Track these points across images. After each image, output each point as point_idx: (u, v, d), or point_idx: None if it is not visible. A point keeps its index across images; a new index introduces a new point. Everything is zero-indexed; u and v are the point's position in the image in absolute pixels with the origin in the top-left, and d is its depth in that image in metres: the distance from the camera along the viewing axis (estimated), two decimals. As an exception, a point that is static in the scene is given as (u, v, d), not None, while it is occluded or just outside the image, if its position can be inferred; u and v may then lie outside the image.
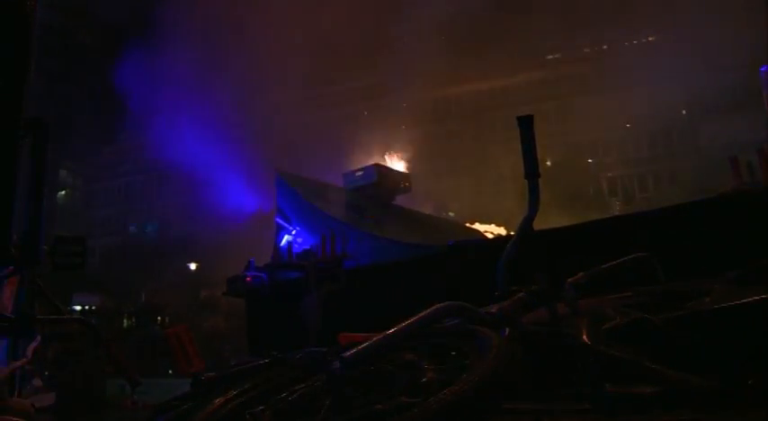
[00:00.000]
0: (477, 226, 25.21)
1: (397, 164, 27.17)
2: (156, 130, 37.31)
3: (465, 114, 39.84)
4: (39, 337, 3.31)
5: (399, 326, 1.91)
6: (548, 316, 2.62)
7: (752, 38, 24.47)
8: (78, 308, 34.37)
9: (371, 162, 22.61)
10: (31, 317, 2.93)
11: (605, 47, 38.82)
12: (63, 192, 48.56)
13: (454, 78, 36.48)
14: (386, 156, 28.93)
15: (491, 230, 24.14)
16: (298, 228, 16.81)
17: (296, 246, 15.63)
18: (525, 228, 2.61)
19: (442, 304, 2.05)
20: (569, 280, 3.04)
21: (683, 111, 36.27)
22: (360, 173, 21.74)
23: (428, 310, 1.99)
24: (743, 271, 3.44)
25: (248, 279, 11.54)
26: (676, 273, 3.80)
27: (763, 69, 8.72)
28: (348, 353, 1.76)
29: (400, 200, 22.99)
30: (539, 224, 2.70)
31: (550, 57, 40.68)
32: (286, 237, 16.56)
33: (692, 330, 3.03)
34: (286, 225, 16.99)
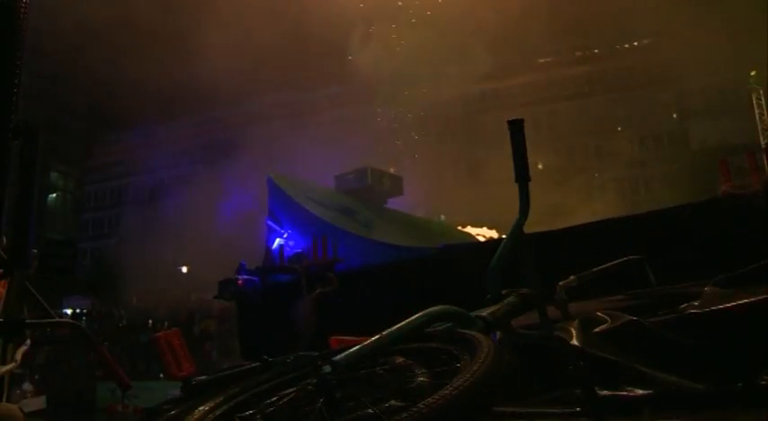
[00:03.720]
0: (468, 229, 25.20)
1: (389, 167, 27.09)
2: (148, 133, 37.23)
3: (457, 118, 39.86)
4: (29, 341, 3.28)
5: (390, 329, 1.91)
6: (539, 319, 2.62)
7: (741, 42, 24.72)
8: (69, 311, 34.15)
9: (363, 165, 22.53)
10: (21, 321, 2.90)
11: (596, 50, 38.98)
12: (54, 195, 48.33)
13: (446, 82, 36.54)
14: (378, 159, 28.90)
15: (482, 233, 24.12)
16: (289, 231, 16.79)
17: (287, 249, 15.61)
18: (516, 231, 2.61)
19: (433, 308, 2.05)
20: (560, 283, 3.05)
21: (674, 115, 36.48)
22: (352, 175, 21.72)
23: (419, 314, 1.99)
24: (733, 274, 3.46)
25: (240, 282, 11.52)
26: (667, 276, 3.81)
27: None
28: (339, 357, 1.76)
29: (392, 202, 22.96)
30: (530, 227, 2.70)
31: (542, 60, 40.79)
32: (278, 241, 16.53)
33: (682, 333, 3.04)
34: (277, 228, 16.97)
